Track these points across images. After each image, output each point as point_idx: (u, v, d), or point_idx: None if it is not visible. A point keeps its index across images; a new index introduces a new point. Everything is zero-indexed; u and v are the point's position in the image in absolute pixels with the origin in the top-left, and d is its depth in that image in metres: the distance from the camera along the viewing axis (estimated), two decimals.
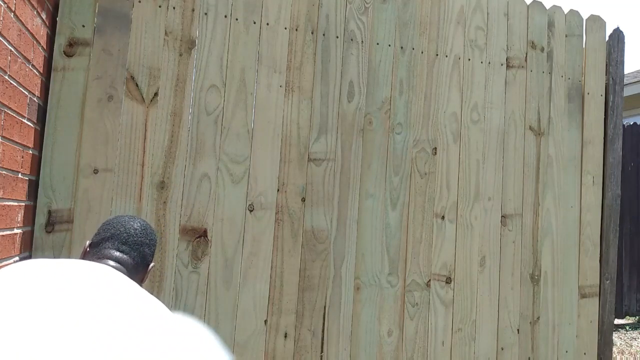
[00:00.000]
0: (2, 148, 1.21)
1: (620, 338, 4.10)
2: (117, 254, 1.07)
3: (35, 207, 1.52)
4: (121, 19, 1.64)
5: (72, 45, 1.58)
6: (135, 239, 1.12)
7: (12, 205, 1.32)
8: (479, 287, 2.06)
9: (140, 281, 1.12)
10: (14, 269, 0.83)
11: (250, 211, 1.75)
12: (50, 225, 1.53)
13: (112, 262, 1.05)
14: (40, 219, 1.52)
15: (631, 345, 3.90)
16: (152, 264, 1.17)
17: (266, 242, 1.76)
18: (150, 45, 1.68)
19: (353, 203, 1.89)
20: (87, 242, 1.12)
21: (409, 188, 1.98)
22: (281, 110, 1.82)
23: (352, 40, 1.94)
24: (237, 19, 1.78)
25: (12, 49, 1.23)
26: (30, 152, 1.44)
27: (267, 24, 1.82)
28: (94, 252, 1.08)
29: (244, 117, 1.77)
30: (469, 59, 2.11)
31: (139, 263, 1.11)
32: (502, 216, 2.12)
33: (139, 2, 1.67)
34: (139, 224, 1.15)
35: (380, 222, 1.92)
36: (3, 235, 1.27)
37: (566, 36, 2.30)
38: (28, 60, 1.36)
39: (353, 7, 1.94)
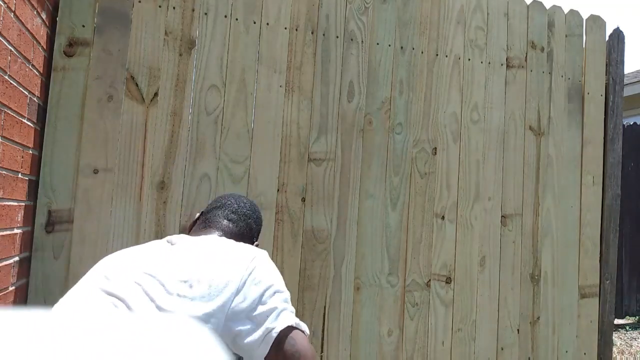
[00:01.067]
0: (2, 148, 1.21)
1: (620, 338, 4.10)
2: (225, 222, 1.11)
3: (35, 207, 1.52)
4: (121, 18, 1.63)
5: (72, 45, 1.58)
6: (244, 210, 1.15)
7: (12, 205, 1.32)
8: (479, 287, 2.06)
9: None
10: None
11: None
12: (50, 225, 1.52)
13: (218, 232, 1.09)
14: (40, 219, 1.51)
15: (631, 345, 3.90)
16: (257, 242, 1.19)
17: (266, 242, 1.76)
18: (150, 45, 1.68)
19: (353, 203, 1.89)
20: (197, 214, 1.19)
21: (409, 188, 1.97)
22: (281, 110, 1.82)
23: (352, 40, 1.93)
24: (237, 19, 1.78)
25: (12, 49, 1.23)
26: (30, 152, 1.44)
27: (267, 24, 1.82)
28: (204, 218, 1.13)
29: (244, 117, 1.77)
30: (469, 59, 2.11)
31: (244, 234, 1.13)
32: (502, 216, 2.12)
33: (139, 2, 1.67)
34: (249, 201, 1.20)
35: (380, 222, 1.92)
36: (3, 235, 1.27)
37: (566, 36, 2.30)
38: (28, 60, 1.36)
39: (353, 7, 1.94)
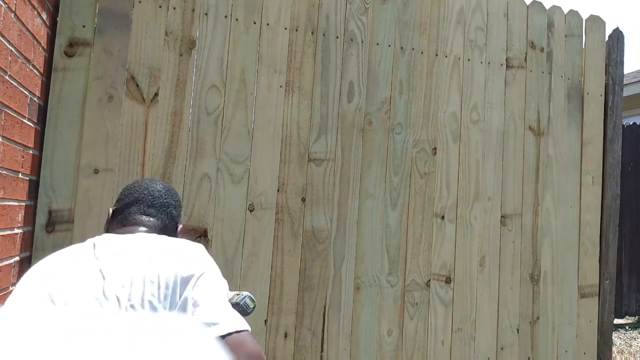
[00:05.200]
0: (2, 148, 1.21)
1: (620, 338, 4.10)
2: (145, 218, 1.03)
3: (35, 207, 1.52)
4: (121, 19, 1.64)
5: (73, 46, 1.58)
6: (161, 200, 1.06)
7: (13, 205, 1.32)
8: (479, 287, 2.06)
9: None
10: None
11: (251, 211, 1.75)
12: (51, 225, 1.53)
13: (142, 228, 1.01)
14: (41, 218, 1.52)
15: (631, 345, 3.90)
16: (180, 225, 1.13)
17: (266, 242, 1.76)
18: (150, 46, 1.68)
19: (353, 203, 1.89)
20: (110, 210, 1.08)
21: (409, 188, 1.98)
22: (281, 111, 1.82)
23: (352, 40, 1.94)
24: (237, 19, 1.79)
25: (13, 49, 1.23)
26: (31, 152, 1.44)
27: (267, 24, 1.82)
28: (119, 219, 1.04)
29: (244, 117, 1.77)
30: (469, 59, 2.12)
31: (167, 225, 1.06)
32: (501, 216, 2.13)
33: (140, 2, 1.67)
34: (161, 186, 1.09)
35: (380, 222, 1.92)
36: (3, 235, 1.27)
37: (566, 36, 2.31)
38: (28, 61, 1.36)
39: (353, 7, 1.94)
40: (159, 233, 1.03)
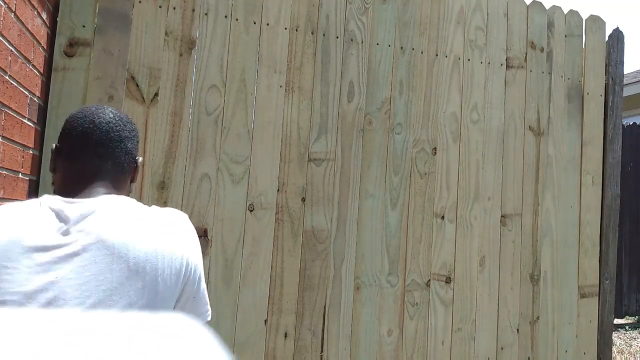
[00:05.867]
0: (2, 148, 1.21)
1: (620, 338, 4.11)
2: (97, 162, 0.88)
3: None
4: (121, 19, 1.64)
5: (73, 46, 1.58)
6: (112, 134, 0.89)
7: None
8: (479, 286, 2.07)
9: (131, 181, 0.97)
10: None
11: (251, 211, 1.75)
12: None
13: (99, 183, 0.87)
14: None
15: (631, 345, 3.91)
16: (140, 158, 0.99)
17: (266, 242, 1.76)
18: (150, 46, 1.68)
19: (353, 203, 1.89)
20: (54, 146, 0.91)
21: (409, 188, 1.98)
22: (281, 111, 1.82)
23: (352, 40, 1.94)
24: (237, 19, 1.79)
25: (13, 49, 1.23)
26: (31, 152, 1.44)
27: (267, 24, 1.83)
28: (67, 166, 0.88)
29: (244, 117, 1.77)
30: (469, 59, 2.12)
31: (123, 163, 0.92)
32: (501, 216, 2.13)
33: (140, 2, 1.67)
34: (111, 114, 0.91)
35: (380, 222, 1.92)
36: None
37: (566, 36, 2.31)
38: (28, 61, 1.36)
39: (353, 7, 1.94)
40: (116, 177, 0.90)
